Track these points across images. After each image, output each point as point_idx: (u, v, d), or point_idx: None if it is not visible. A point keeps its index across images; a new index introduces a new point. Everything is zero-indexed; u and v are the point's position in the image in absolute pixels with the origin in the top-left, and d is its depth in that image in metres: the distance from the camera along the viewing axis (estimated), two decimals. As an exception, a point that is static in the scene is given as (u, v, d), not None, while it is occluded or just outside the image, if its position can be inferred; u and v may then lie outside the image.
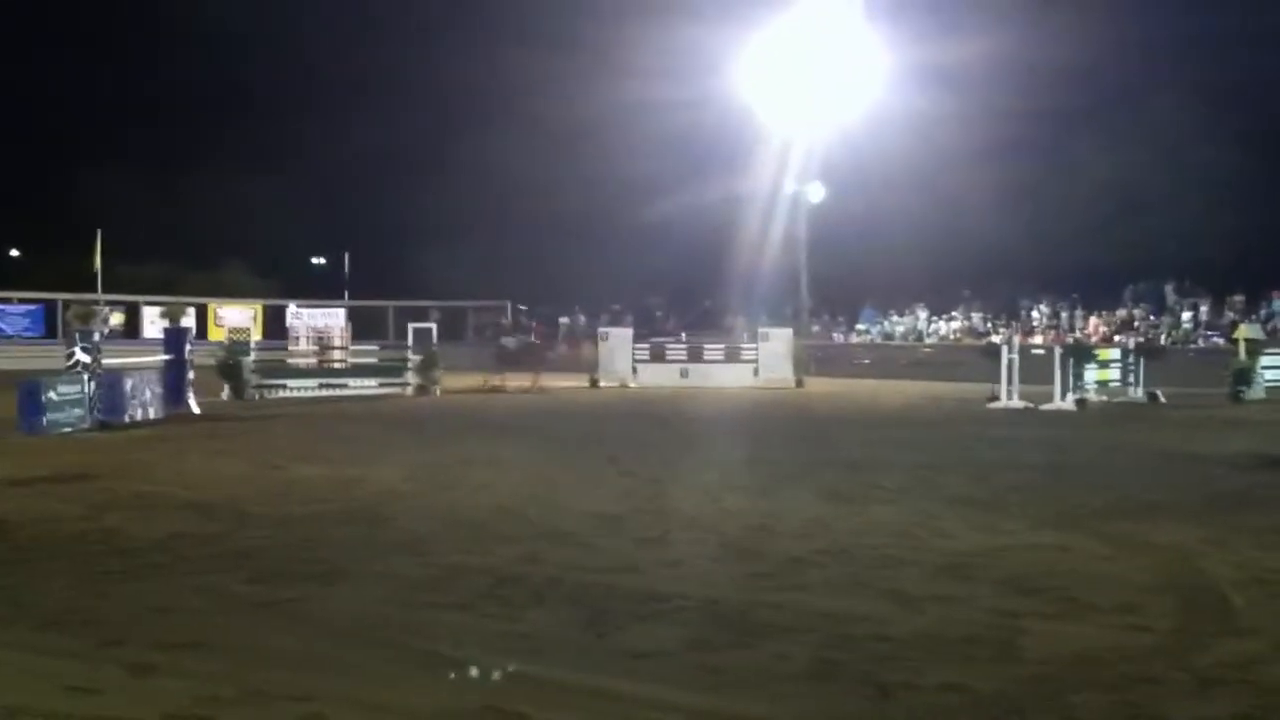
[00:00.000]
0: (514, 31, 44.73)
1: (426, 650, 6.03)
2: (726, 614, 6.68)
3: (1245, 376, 25.81)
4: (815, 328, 40.83)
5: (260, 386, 25.57)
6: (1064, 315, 39.19)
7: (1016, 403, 23.24)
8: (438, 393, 26.71)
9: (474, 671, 5.66)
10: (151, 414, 19.90)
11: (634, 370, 31.13)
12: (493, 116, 46.65)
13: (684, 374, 31.24)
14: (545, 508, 10.60)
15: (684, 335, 37.15)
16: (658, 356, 32.17)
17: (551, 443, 16.60)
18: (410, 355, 27.61)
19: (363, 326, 39.53)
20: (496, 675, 5.60)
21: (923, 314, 41.98)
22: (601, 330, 33.89)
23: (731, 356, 32.01)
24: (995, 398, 23.66)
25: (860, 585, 7.45)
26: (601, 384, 30.28)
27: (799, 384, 30.35)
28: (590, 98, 41.76)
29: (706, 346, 32.97)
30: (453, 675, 5.62)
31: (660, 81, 39.15)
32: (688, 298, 47.78)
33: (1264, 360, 26.85)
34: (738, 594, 7.19)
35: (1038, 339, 35.62)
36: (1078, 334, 36.00)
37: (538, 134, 45.07)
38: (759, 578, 7.64)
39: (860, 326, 42.74)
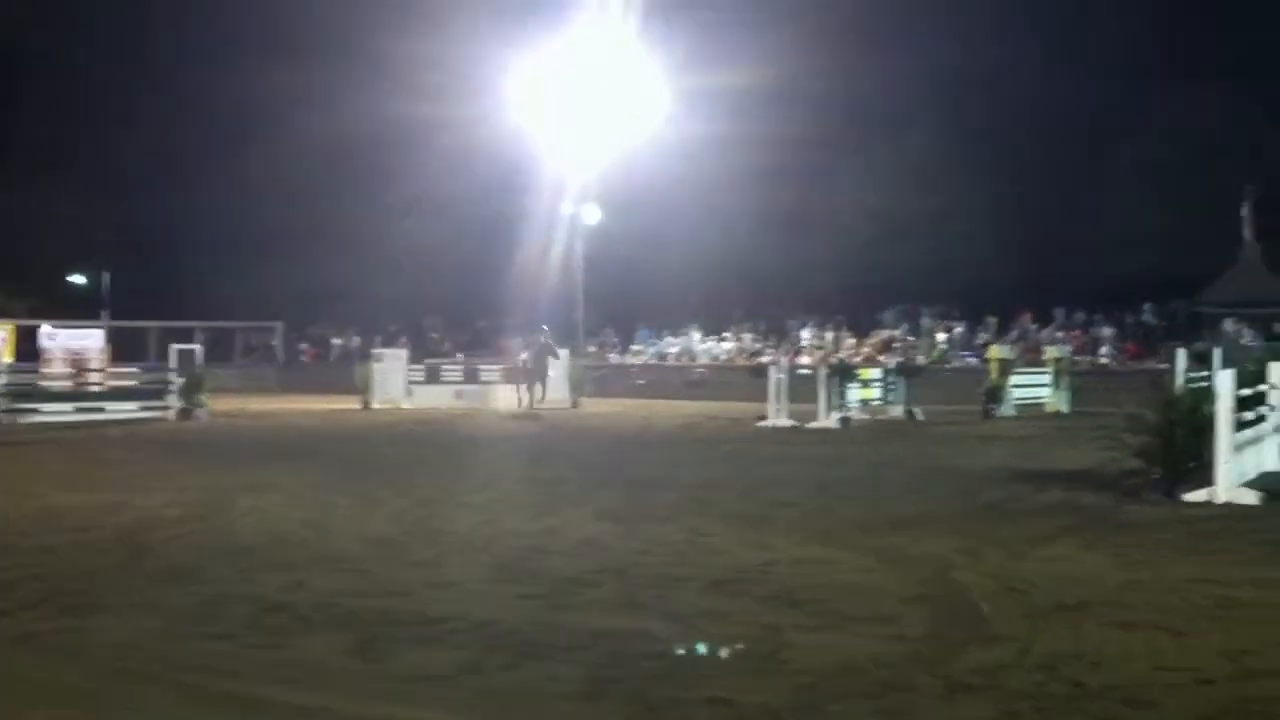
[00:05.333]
0: (284, 43, 43.71)
1: (190, 682, 5.86)
2: (500, 635, 6.68)
3: (996, 395, 27.16)
4: (591, 348, 41.13)
5: (10, 411, 24.29)
6: (829, 336, 40.48)
7: (784, 421, 23.88)
8: (204, 416, 25.86)
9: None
10: (-111, 441, 18.74)
11: (408, 392, 30.77)
12: (262, 130, 45.41)
13: (459, 395, 31.05)
14: (316, 533, 10.40)
15: (460, 356, 36.94)
16: (433, 378, 31.91)
17: (323, 466, 16.28)
18: (172, 377, 26.59)
19: (123, 348, 37.98)
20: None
21: (696, 334, 42.76)
22: (374, 351, 33.40)
23: (509, 377, 31.93)
24: (765, 417, 24.26)
25: (633, 604, 7.55)
26: (375, 406, 29.84)
27: (575, 404, 30.53)
28: (365, 114, 41.20)
29: (482, 367, 32.85)
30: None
31: (436, 99, 38.93)
32: (464, 318, 47.51)
33: (1014, 379, 28.29)
34: (512, 615, 7.19)
35: (805, 359, 36.69)
36: (842, 354, 37.20)
37: (310, 150, 44.21)
38: (533, 598, 7.66)
39: (635, 347, 43.25)
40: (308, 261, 45.37)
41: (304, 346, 47.76)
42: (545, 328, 32.26)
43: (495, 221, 41.54)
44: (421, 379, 31.54)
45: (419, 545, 9.74)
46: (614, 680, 5.79)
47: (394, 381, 30.90)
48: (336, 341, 46.73)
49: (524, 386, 29.83)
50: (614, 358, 42.47)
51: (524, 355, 30.48)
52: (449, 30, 39.27)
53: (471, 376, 32.07)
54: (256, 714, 5.42)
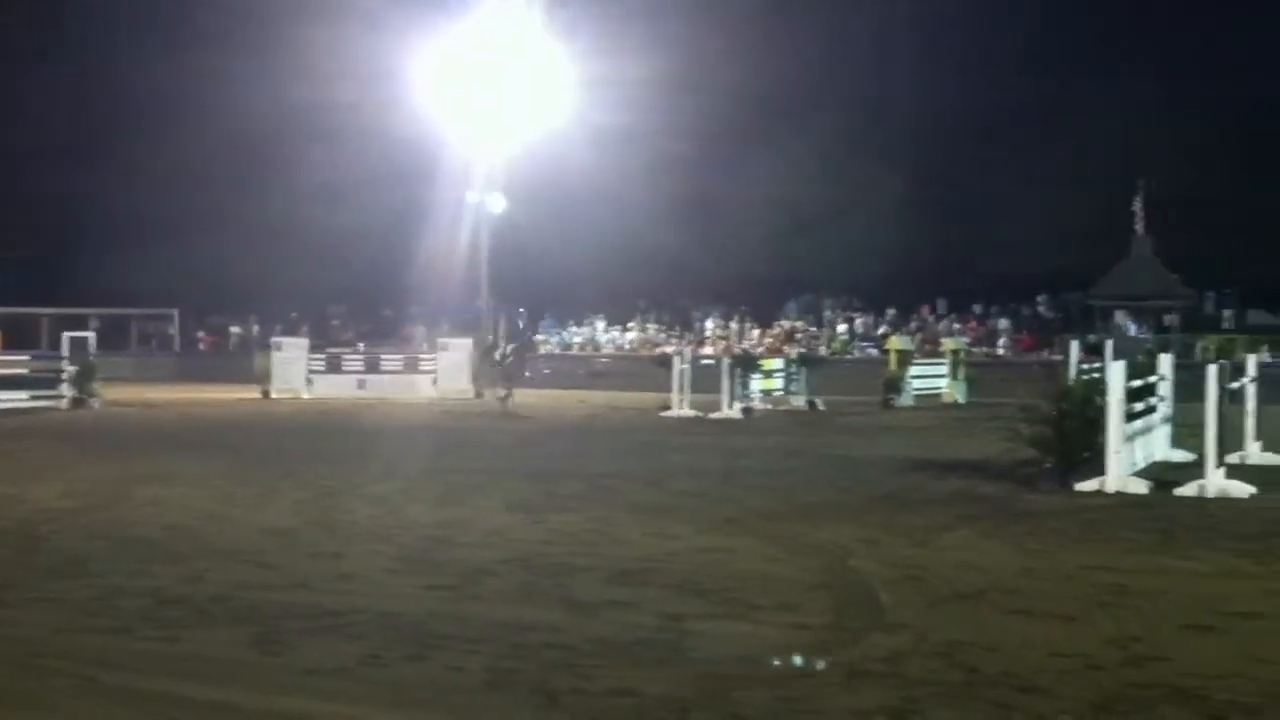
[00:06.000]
0: (186, 26, 42.96)
1: (84, 676, 5.75)
2: (402, 627, 6.64)
3: (895, 385, 27.55)
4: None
5: (-104, 400, 23.59)
6: (733, 326, 40.76)
7: (688, 412, 23.99)
8: (97, 406, 25.33)
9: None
10: None
11: (309, 381, 30.40)
12: (161, 115, 44.56)
13: (361, 385, 30.74)
14: (214, 524, 10.24)
15: (362, 345, 36.58)
16: (334, 367, 31.54)
17: (223, 456, 16.03)
18: (65, 366, 25.99)
19: (14, 336, 37.08)
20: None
21: (600, 324, 42.80)
22: (275, 340, 32.93)
23: (410, 367, 31.72)
24: (668, 407, 24.35)
25: (537, 594, 7.55)
26: (274, 395, 29.43)
27: (478, 394, 30.34)
28: (264, 100, 40.59)
29: (385, 357, 32.58)
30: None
31: (339, 86, 38.44)
32: (367, 307, 47.05)
33: (912, 370, 28.71)
34: (414, 606, 7.15)
35: (708, 349, 36.90)
36: (745, 344, 37.49)
37: (210, 134, 43.42)
38: (436, 589, 7.63)
39: (539, 337, 43.16)
40: (206, 248, 44.61)
41: (201, 334, 46.91)
42: (522, 310, 30.90)
43: (399, 210, 41.16)
44: (323, 368, 31.15)
45: (320, 536, 9.64)
46: (516, 671, 5.78)
47: (294, 371, 30.47)
48: (235, 330, 46.00)
49: (502, 380, 27.20)
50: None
51: (505, 347, 27.95)
52: (353, 15, 38.85)
53: (374, 366, 31.76)
54: (155, 708, 5.33)
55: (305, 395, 29.66)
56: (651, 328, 42.24)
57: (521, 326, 27.72)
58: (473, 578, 7.96)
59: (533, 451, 17.28)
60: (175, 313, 46.34)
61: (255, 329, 44.59)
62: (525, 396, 30.06)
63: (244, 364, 35.06)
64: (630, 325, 42.53)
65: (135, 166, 44.04)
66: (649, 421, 23.02)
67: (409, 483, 13.09)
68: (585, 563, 8.50)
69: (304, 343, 32.62)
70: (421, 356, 32.50)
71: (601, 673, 5.75)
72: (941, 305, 39.58)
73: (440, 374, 31.03)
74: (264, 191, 43.44)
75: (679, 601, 7.29)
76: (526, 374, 26.89)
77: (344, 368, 31.71)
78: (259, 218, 44.14)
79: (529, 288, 43.53)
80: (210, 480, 13.21)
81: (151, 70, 43.00)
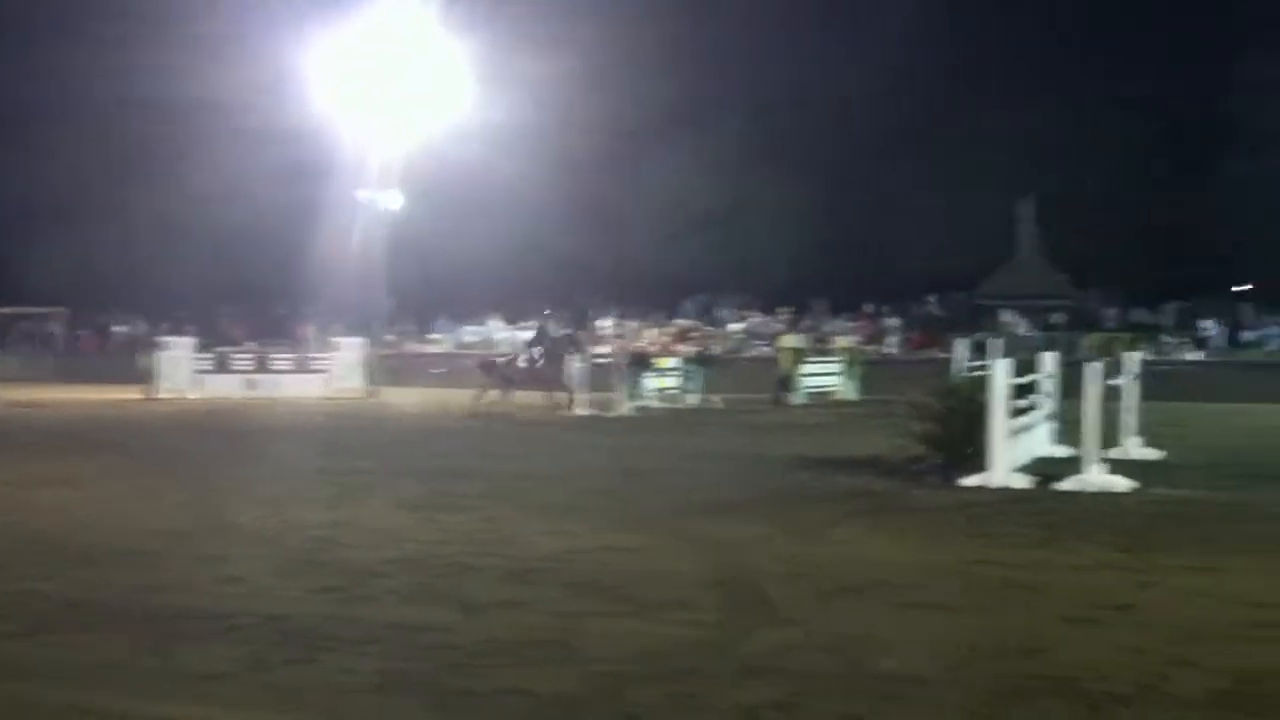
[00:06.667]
0: (72, 13, 41.95)
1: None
2: (290, 630, 6.55)
3: (788, 383, 27.84)
4: (389, 337, 40.54)
5: None
6: (629, 325, 40.83)
7: (584, 410, 23.99)
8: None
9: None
10: None
11: (196, 381, 29.86)
12: (47, 110, 43.47)
13: (251, 385, 30.29)
14: (96, 528, 10.00)
15: (253, 345, 36.05)
16: (223, 367, 31.04)
17: (104, 458, 15.66)
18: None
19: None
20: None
21: (497, 323, 42.58)
22: (160, 339, 32.31)
23: (301, 366, 31.34)
24: (565, 405, 24.33)
25: (429, 594, 7.49)
26: (159, 396, 28.86)
27: (372, 394, 30.07)
28: (154, 94, 39.74)
29: (275, 356, 32.13)
30: None
31: (230, 81, 37.82)
32: (260, 306, 46.31)
33: (805, 368, 29.03)
34: (302, 609, 7.06)
35: (605, 348, 36.90)
36: (640, 342, 37.56)
37: (98, 130, 42.48)
38: (325, 591, 7.53)
39: (435, 335, 42.82)
40: (94, 245, 43.59)
41: (81, 333, 45.71)
42: (548, 311, 29.98)
43: (294, 208, 40.61)
44: (211, 368, 30.63)
45: (205, 539, 9.47)
46: (408, 672, 5.74)
47: (181, 370, 29.94)
48: (119, 329, 44.92)
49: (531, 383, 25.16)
50: (413, 346, 41.97)
51: (532, 351, 25.90)
52: (248, 9, 38.26)
53: (264, 365, 31.31)
54: (37, 716, 5.21)
55: (192, 395, 29.12)
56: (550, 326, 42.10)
57: (550, 329, 25.74)
58: (363, 579, 7.87)
59: (425, 451, 17.14)
60: (65, 311, 45.06)
61: (142, 328, 43.62)
62: (405, 395, 29.94)
63: (129, 364, 34.32)
64: (527, 323, 42.37)
65: (18, 161, 42.91)
66: (547, 419, 22.98)
67: (296, 483, 12.92)
68: (479, 563, 8.45)
69: (190, 342, 32.08)
70: (313, 356, 32.10)
71: (493, 672, 5.73)
72: (833, 304, 39.98)
73: (332, 373, 30.69)
74: (154, 188, 42.60)
75: (573, 600, 7.29)
76: (568, 374, 24.39)
77: (233, 367, 31.22)
78: (148, 215, 43.30)
79: (427, 285, 43.25)
80: (91, 482, 12.91)
81: (40, 63, 41.97)
